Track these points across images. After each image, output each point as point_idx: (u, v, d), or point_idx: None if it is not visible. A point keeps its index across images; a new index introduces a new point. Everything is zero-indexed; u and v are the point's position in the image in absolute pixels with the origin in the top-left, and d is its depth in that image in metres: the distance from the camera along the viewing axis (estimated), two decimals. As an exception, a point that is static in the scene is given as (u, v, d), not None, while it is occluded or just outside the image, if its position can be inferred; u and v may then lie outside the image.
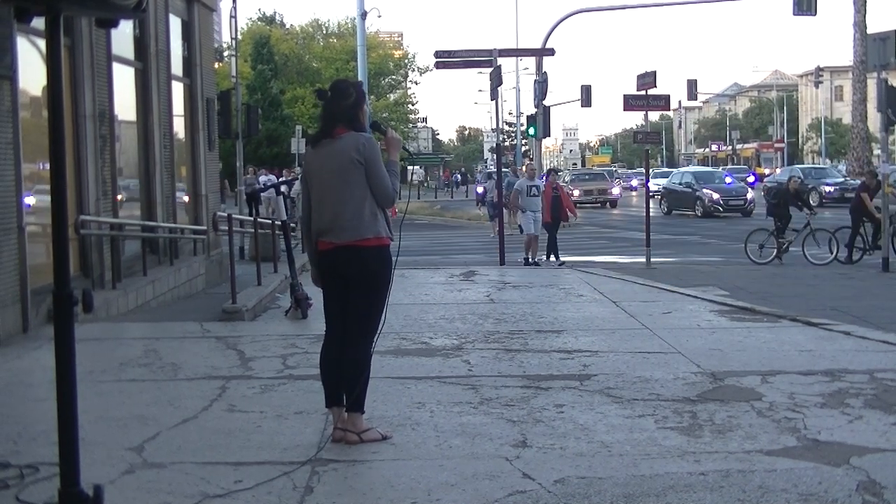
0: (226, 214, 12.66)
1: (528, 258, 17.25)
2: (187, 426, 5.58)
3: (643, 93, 18.02)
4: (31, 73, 9.01)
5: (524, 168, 20.71)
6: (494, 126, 21.97)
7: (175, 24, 13.83)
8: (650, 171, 21.01)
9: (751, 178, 51.81)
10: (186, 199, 14.39)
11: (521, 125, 54.02)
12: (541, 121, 31.49)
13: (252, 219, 14.16)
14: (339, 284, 5.20)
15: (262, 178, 27.14)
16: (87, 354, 7.19)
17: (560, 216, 18.08)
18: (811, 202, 27.37)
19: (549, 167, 19.64)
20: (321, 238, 5.22)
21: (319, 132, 5.28)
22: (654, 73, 17.92)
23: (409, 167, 59.41)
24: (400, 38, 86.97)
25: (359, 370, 5.12)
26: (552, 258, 17.65)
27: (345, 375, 5.15)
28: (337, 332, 5.24)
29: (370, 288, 5.15)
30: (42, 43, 8.10)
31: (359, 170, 5.07)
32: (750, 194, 34.33)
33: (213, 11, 16.21)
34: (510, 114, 70.89)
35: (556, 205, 17.89)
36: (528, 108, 40.92)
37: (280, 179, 24.30)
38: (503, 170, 19.32)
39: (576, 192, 39.76)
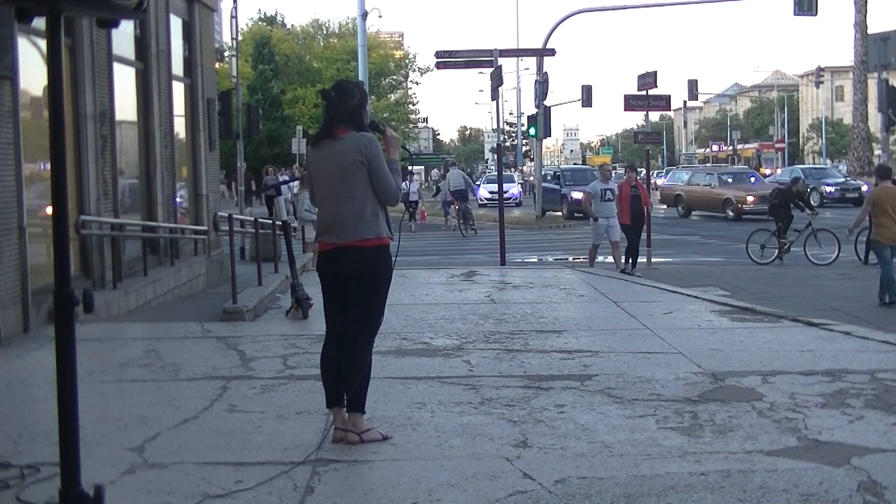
0: (226, 214, 12.67)
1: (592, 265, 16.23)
2: (188, 426, 5.58)
3: (644, 93, 18.04)
4: (32, 73, 9.01)
5: (602, 169, 18.37)
6: (495, 126, 21.98)
7: (176, 24, 13.82)
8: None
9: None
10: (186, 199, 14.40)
11: (522, 125, 54.13)
12: (541, 121, 31.55)
13: (252, 219, 14.17)
14: (339, 284, 5.20)
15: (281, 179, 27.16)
16: (87, 354, 7.21)
17: (641, 217, 16.66)
18: (812, 202, 27.31)
19: (626, 167, 18.00)
20: (321, 238, 5.24)
21: (319, 132, 5.28)
22: (654, 74, 17.95)
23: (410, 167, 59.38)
24: (401, 39, 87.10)
25: (359, 370, 5.12)
26: (629, 262, 16.36)
27: (345, 375, 5.15)
28: (337, 332, 5.24)
29: (370, 288, 5.14)
30: (43, 43, 8.11)
31: (361, 170, 5.07)
32: None
33: (213, 11, 16.21)
34: (511, 114, 71.09)
35: (636, 204, 16.47)
36: (529, 109, 40.98)
37: (285, 178, 24.36)
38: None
39: (749, 199, 30.93)
